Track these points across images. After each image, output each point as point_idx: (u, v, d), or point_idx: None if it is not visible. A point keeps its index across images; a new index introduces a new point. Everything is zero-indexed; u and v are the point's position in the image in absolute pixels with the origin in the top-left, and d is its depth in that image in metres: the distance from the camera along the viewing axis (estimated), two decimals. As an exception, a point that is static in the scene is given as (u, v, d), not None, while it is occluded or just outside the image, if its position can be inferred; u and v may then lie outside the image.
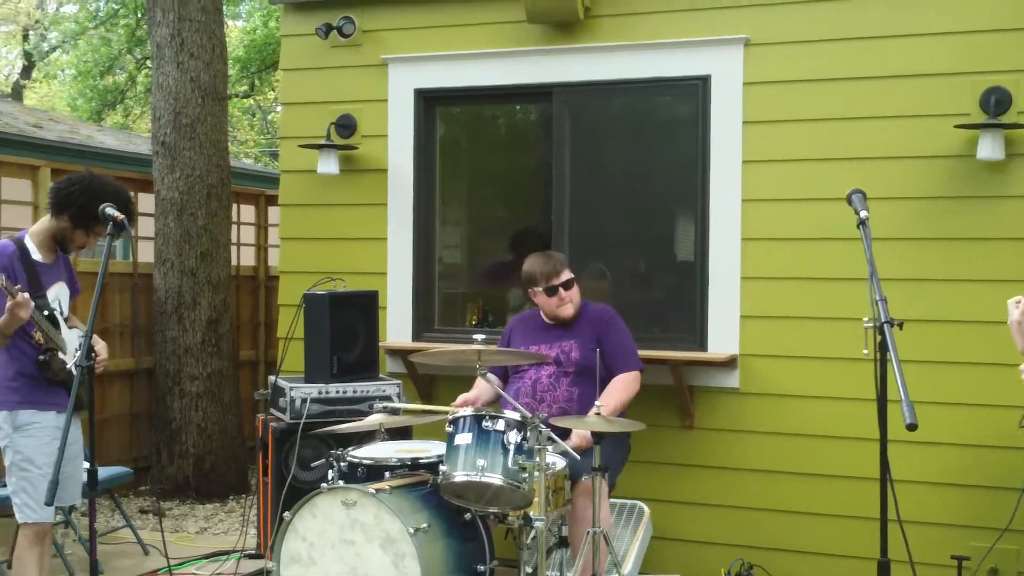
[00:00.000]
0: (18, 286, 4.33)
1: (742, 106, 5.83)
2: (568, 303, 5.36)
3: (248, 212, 9.99)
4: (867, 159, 5.63)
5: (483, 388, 5.47)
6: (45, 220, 4.70)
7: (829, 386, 5.69)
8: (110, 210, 4.29)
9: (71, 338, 4.72)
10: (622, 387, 5.22)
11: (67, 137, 11.50)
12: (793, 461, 5.77)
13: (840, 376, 5.64)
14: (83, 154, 10.31)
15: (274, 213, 10.01)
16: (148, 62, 19.56)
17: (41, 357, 4.54)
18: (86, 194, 4.56)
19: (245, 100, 22.61)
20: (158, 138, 8.30)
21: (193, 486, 8.18)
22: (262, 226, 10.11)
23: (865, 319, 3.87)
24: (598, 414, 4.68)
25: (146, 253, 8.82)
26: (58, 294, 4.72)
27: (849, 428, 5.62)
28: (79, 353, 4.04)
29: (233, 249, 8.86)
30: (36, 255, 4.65)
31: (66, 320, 4.74)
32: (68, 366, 4.57)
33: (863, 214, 4.13)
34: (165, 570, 6.02)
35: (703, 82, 5.92)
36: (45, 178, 8.12)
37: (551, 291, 5.34)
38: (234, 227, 8.98)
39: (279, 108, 26.67)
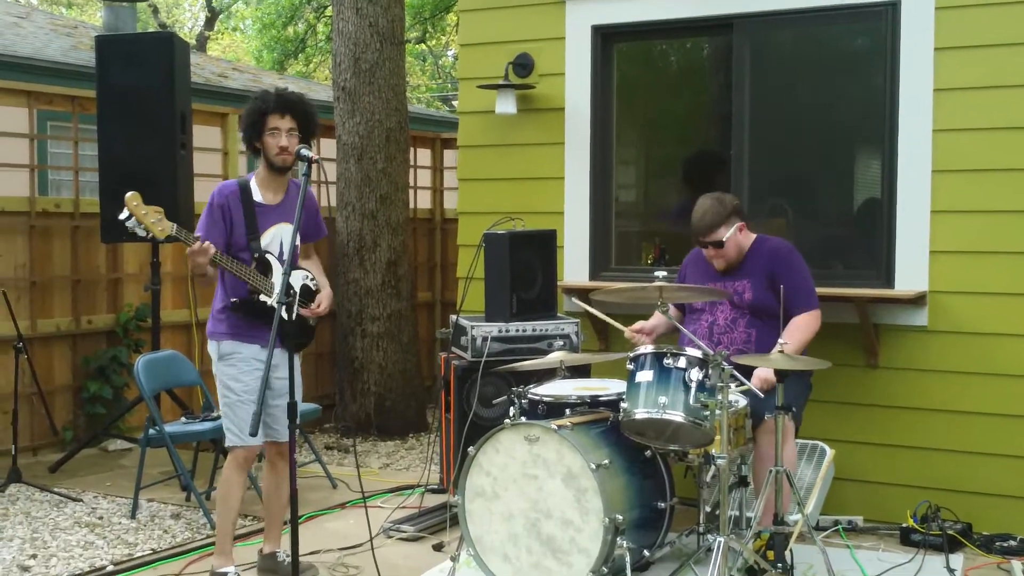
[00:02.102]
0: (197, 235, 4.51)
1: (934, 31, 5.58)
2: (719, 259, 5.27)
3: (424, 155, 10.15)
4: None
5: (659, 320, 5.44)
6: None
7: (1027, 323, 5.47)
8: (304, 151, 4.42)
9: (293, 279, 4.80)
10: (802, 327, 5.11)
11: (250, 85, 11.88)
12: (986, 401, 5.57)
13: (1040, 312, 5.42)
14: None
15: (449, 156, 10.16)
16: (327, 11, 20.01)
17: (232, 300, 4.72)
18: (250, 110, 4.73)
19: (418, 46, 22.89)
20: (339, 84, 8.47)
21: (375, 423, 8.39)
22: (438, 169, 10.25)
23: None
24: (782, 351, 4.61)
25: (326, 197, 9.04)
26: (278, 235, 4.79)
27: (1049, 367, 5.42)
28: (279, 291, 4.17)
29: (410, 192, 9.00)
30: (257, 196, 4.78)
31: (285, 261, 4.78)
32: (270, 303, 4.69)
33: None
34: (353, 503, 6.23)
35: (892, 7, 5.69)
36: (233, 125, 8.42)
37: (702, 245, 5.29)
38: (411, 170, 9.12)
39: (450, 53, 26.97)
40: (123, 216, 4.41)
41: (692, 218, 5.28)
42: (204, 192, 7.37)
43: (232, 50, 26.97)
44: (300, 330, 4.93)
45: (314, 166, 4.38)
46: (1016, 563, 5.00)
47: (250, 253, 4.72)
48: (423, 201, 10.11)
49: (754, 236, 5.36)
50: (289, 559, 4.87)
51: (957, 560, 5.13)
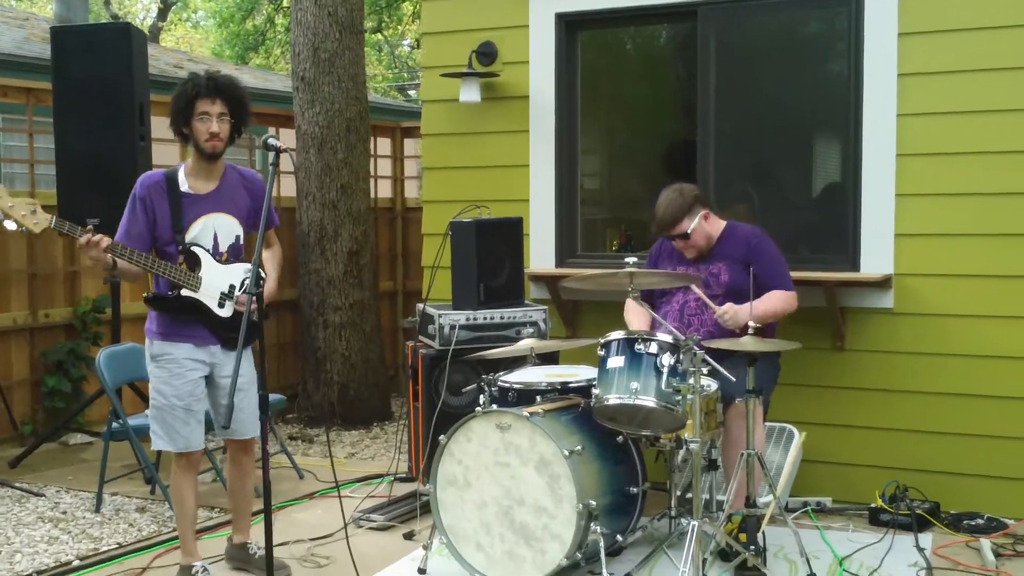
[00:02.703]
0: (88, 228, 4.30)
1: (898, 16, 5.61)
2: (689, 249, 5.28)
3: (384, 145, 10.08)
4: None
5: (636, 317, 5.42)
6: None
7: (992, 305, 5.52)
8: (272, 140, 4.27)
9: (228, 272, 4.61)
10: (775, 298, 5.10)
11: (206, 76, 11.73)
12: (951, 382, 5.62)
13: (1004, 294, 5.48)
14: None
15: (409, 145, 10.11)
16: (285, 2, 19.86)
17: (144, 295, 4.55)
18: (178, 95, 4.51)
19: (374, 35, 22.77)
20: (298, 73, 8.39)
21: (339, 413, 8.33)
22: (398, 158, 10.19)
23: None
24: (752, 333, 4.62)
25: (287, 187, 9.00)
26: (209, 226, 4.58)
27: (1012, 347, 5.47)
28: (247, 281, 4.03)
29: (371, 181, 8.94)
30: (184, 186, 4.56)
31: (224, 253, 4.62)
32: (197, 295, 4.54)
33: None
34: (321, 492, 6.19)
35: (856, -8, 5.72)
36: (191, 115, 8.31)
37: (670, 239, 5.29)
38: (371, 160, 9.06)
39: (406, 42, 26.84)
40: None
41: (655, 214, 5.27)
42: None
43: (186, 41, 26.70)
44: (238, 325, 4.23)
45: (282, 155, 4.26)
46: (985, 541, 5.04)
47: (175, 246, 4.52)
48: (384, 190, 10.04)
49: (724, 223, 5.36)
50: (261, 551, 4.85)
51: (926, 539, 5.18)
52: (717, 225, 5.32)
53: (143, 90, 6.77)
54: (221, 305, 4.62)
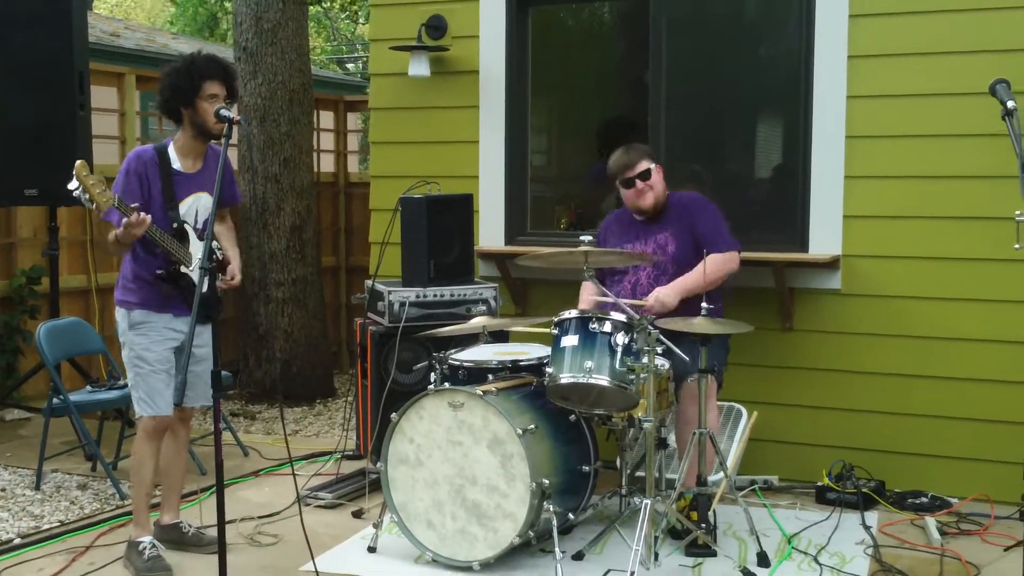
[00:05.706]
0: (135, 205, 4.30)
1: (849, -1, 5.64)
2: (647, 192, 5.23)
3: (327, 118, 9.95)
4: (995, 52, 5.35)
5: (585, 295, 5.40)
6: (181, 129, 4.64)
7: (938, 287, 5.56)
8: (224, 111, 4.28)
9: (204, 248, 4.68)
10: (715, 259, 5.08)
11: (144, 45, 11.53)
12: (897, 362, 5.67)
13: (951, 276, 5.53)
14: (161, 62, 10.28)
15: (353, 119, 9.98)
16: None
17: (159, 271, 4.55)
18: (183, 75, 4.50)
19: (313, 7, 22.53)
20: (240, 43, 8.24)
21: (281, 390, 8.25)
22: (341, 132, 10.06)
23: (1018, 212, 3.70)
24: (706, 315, 4.63)
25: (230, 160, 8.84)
26: (195, 205, 4.64)
27: (958, 328, 5.53)
28: (201, 256, 4.00)
29: (314, 156, 8.82)
30: (176, 164, 4.60)
31: (200, 230, 4.65)
32: (189, 270, 4.56)
33: (1010, 104, 3.85)
34: (266, 470, 6.13)
35: (807, -28, 5.72)
36: (129, 85, 8.16)
37: (628, 183, 5.25)
38: (315, 133, 8.94)
39: (344, 16, 26.53)
40: (72, 186, 4.13)
41: (611, 167, 5.27)
42: (101, 155, 7.14)
43: (121, 9, 26.18)
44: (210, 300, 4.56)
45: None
46: (930, 520, 5.10)
47: (168, 223, 4.53)
48: (327, 165, 9.92)
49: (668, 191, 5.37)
50: (193, 528, 4.91)
51: (872, 517, 5.24)
52: (664, 186, 5.32)
53: (83, 58, 6.61)
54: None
